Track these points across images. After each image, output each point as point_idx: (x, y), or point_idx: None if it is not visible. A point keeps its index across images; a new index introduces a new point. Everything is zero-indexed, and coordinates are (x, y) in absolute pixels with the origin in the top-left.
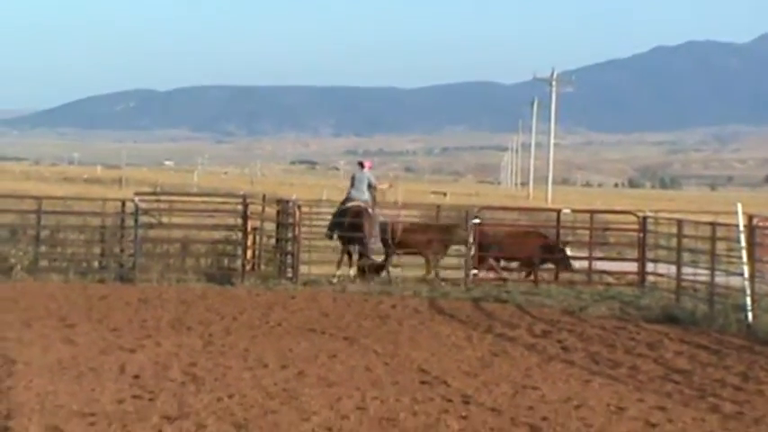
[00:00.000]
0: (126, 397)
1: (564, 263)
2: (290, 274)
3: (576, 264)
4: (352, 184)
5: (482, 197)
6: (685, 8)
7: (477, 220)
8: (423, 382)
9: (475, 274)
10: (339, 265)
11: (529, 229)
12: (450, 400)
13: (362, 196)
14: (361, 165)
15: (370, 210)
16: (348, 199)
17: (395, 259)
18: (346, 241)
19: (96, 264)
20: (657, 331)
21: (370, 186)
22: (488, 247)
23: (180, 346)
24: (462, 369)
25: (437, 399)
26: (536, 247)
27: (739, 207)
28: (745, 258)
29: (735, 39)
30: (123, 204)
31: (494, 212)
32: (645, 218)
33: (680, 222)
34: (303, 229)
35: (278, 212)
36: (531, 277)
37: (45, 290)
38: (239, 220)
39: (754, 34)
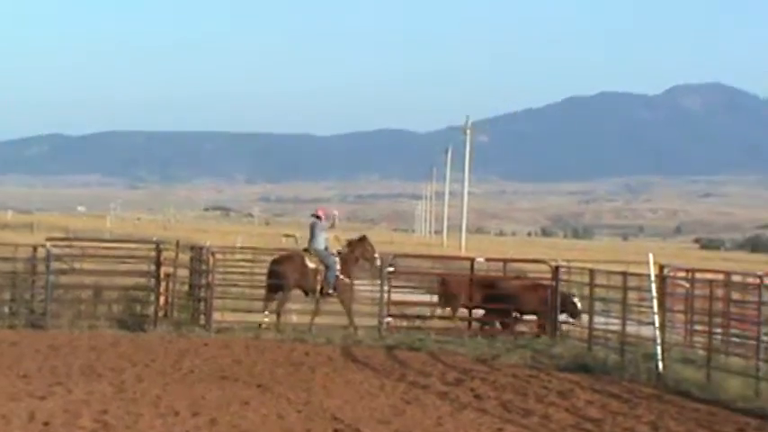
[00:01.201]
0: None
1: (575, 313)
2: (203, 321)
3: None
4: (312, 235)
5: (397, 245)
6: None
7: (391, 269)
8: (336, 431)
9: (388, 322)
10: (265, 309)
11: (537, 281)
12: None
13: (320, 246)
14: (317, 216)
15: (308, 258)
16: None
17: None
18: (270, 289)
19: (6, 309)
20: (569, 380)
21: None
22: (505, 300)
23: (91, 393)
24: (375, 417)
25: None
26: (547, 299)
27: (650, 257)
28: (655, 308)
29: (646, 90)
30: (35, 250)
31: (409, 261)
32: (557, 267)
33: (592, 272)
34: (217, 275)
35: (191, 259)
36: (538, 329)
37: None
38: (152, 267)
39: (665, 86)
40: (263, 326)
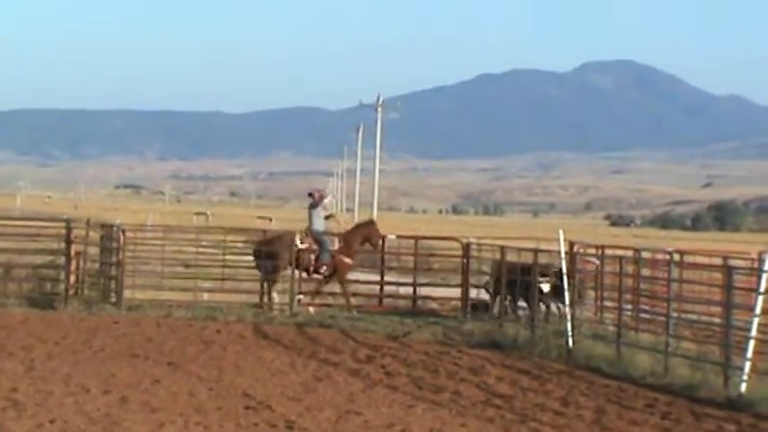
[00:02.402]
0: None
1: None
2: (113, 299)
3: (401, 290)
4: (310, 217)
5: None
6: (509, 37)
7: (303, 246)
8: (247, 408)
9: (299, 300)
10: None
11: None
12: (274, 426)
13: (319, 227)
14: (312, 196)
15: (298, 237)
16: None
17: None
18: (262, 269)
19: None
20: (480, 357)
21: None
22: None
23: (1, 371)
24: (286, 394)
25: (261, 424)
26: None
27: (561, 234)
28: (566, 284)
29: (556, 68)
30: None
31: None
32: (468, 244)
33: (503, 248)
34: (127, 253)
35: (102, 237)
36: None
37: None
38: (63, 245)
39: (575, 63)
40: (300, 305)
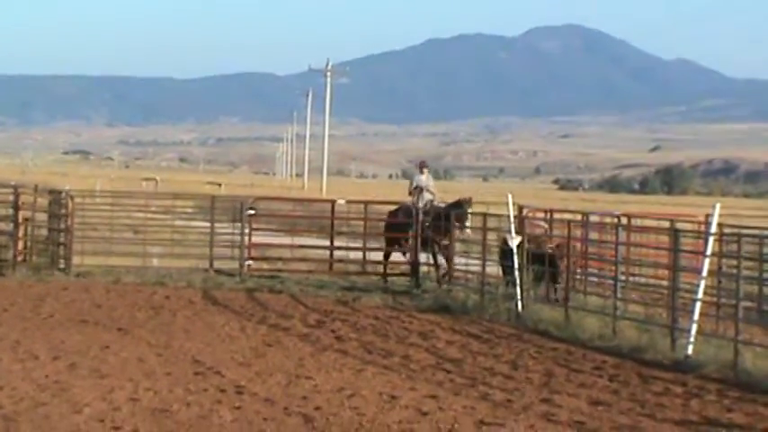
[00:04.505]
0: None
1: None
2: (62, 266)
3: (350, 254)
4: (420, 190)
5: (257, 188)
6: (457, 1)
7: (252, 211)
8: (196, 373)
9: (249, 265)
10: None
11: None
12: (223, 391)
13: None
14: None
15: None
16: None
17: None
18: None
19: None
20: (430, 321)
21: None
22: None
23: None
24: (236, 359)
25: (210, 389)
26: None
27: (510, 198)
28: (515, 248)
29: (504, 32)
30: None
31: (269, 203)
32: (418, 209)
33: (449, 211)
34: (76, 219)
35: (50, 203)
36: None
37: None
38: (10, 211)
39: (523, 28)
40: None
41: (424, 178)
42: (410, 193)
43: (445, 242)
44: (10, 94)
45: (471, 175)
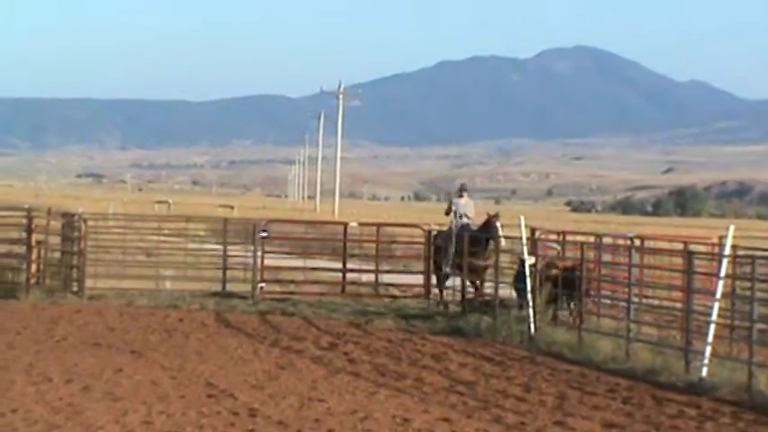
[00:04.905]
0: None
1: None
2: (75, 288)
3: (363, 277)
4: (459, 214)
5: (269, 210)
6: (469, 24)
7: (264, 234)
8: (209, 396)
9: (262, 288)
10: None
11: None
12: (236, 414)
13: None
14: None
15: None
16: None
17: None
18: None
19: None
20: (442, 343)
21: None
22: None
23: None
24: (249, 382)
25: (224, 412)
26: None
27: (522, 220)
28: (528, 271)
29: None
30: None
31: (281, 225)
32: (430, 231)
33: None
34: (89, 242)
35: (63, 226)
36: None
37: None
38: (23, 234)
39: (536, 50)
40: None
41: (464, 202)
42: (446, 213)
43: (480, 263)
44: (23, 117)
45: (484, 197)
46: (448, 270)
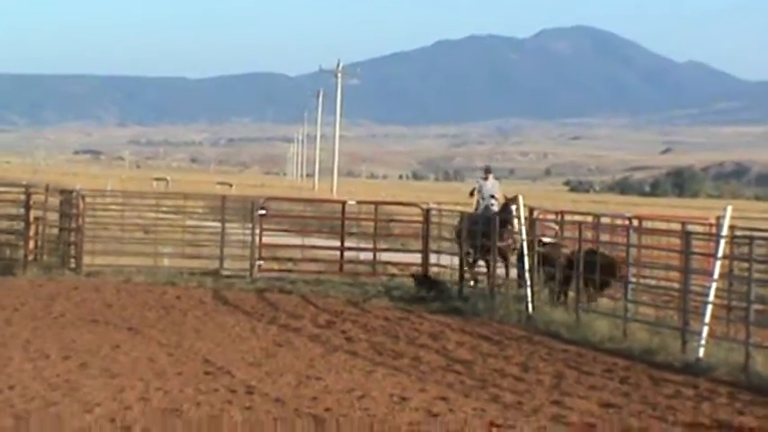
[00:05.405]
0: None
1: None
2: (73, 265)
3: (361, 255)
4: (486, 196)
5: (268, 188)
6: (467, 2)
7: (262, 212)
8: (207, 373)
9: (260, 265)
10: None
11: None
12: (233, 391)
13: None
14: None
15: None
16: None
17: None
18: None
19: None
20: (440, 322)
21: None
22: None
23: None
24: (246, 360)
25: (221, 389)
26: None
27: (520, 199)
28: (525, 250)
29: (515, 34)
30: None
31: (280, 203)
32: (428, 210)
33: (463, 214)
34: (87, 219)
35: (61, 202)
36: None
37: None
38: (21, 210)
39: (534, 30)
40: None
41: (489, 185)
42: (470, 195)
43: (502, 243)
44: (21, 93)
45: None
46: (476, 254)
